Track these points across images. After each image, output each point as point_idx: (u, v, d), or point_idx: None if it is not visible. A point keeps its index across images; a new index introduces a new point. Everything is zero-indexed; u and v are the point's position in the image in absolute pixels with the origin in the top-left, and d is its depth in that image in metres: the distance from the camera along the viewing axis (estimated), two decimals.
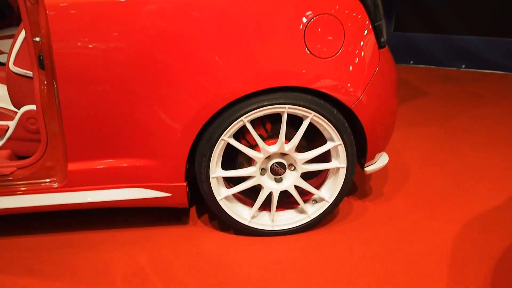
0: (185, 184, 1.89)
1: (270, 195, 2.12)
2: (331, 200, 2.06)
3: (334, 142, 1.94)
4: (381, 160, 2.15)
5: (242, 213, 2.05)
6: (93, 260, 1.92)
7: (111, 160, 1.83)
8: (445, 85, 4.42)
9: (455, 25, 4.98)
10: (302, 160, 1.98)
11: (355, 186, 2.55)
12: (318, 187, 2.10)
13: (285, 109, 1.82)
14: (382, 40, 1.85)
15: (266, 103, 1.80)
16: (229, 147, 2.04)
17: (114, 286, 1.75)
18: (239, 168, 2.04)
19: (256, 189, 2.12)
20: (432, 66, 5.31)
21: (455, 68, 5.20)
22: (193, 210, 2.28)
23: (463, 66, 5.19)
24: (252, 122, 1.97)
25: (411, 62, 5.42)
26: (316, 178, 2.20)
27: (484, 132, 3.26)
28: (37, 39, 1.64)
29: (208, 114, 1.77)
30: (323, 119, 1.87)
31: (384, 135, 1.99)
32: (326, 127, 1.90)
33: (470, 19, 4.91)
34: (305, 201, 2.11)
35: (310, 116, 1.85)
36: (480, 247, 1.97)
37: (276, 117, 1.99)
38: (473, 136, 3.20)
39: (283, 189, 2.02)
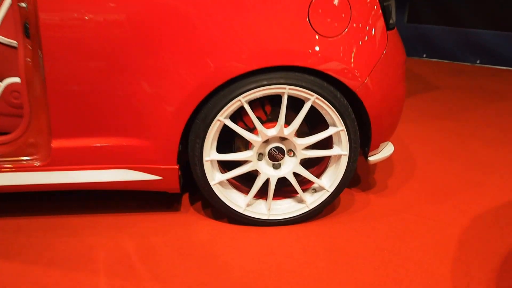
0: (177, 167, 1.88)
1: (267, 182, 2.12)
2: (331, 190, 2.05)
3: (337, 128, 1.93)
4: (386, 150, 2.15)
5: (237, 200, 2.04)
6: (74, 245, 1.89)
7: (98, 138, 1.81)
8: (458, 80, 4.41)
9: (471, 18, 4.94)
10: (302, 145, 1.97)
11: (358, 177, 2.53)
12: (318, 176, 2.10)
13: (286, 90, 1.81)
14: (390, 22, 1.86)
15: (265, 83, 1.78)
16: (226, 130, 2.03)
17: (96, 274, 1.73)
18: (235, 152, 2.03)
19: (253, 177, 2.12)
20: (445, 61, 5.28)
21: (469, 63, 5.16)
22: (185, 198, 2.27)
23: (478, 62, 5.14)
24: (251, 104, 1.97)
25: (424, 56, 5.39)
26: (316, 167, 2.21)
27: (497, 128, 3.26)
28: (23, 4, 1.62)
29: (204, 92, 1.75)
30: (325, 102, 1.86)
31: (389, 122, 1.99)
32: (329, 111, 1.89)
33: (487, 12, 4.85)
34: (304, 191, 2.11)
35: (312, 99, 1.85)
36: (486, 243, 1.96)
37: (277, 100, 2.00)
38: (485, 131, 3.20)
39: (281, 175, 2.01)
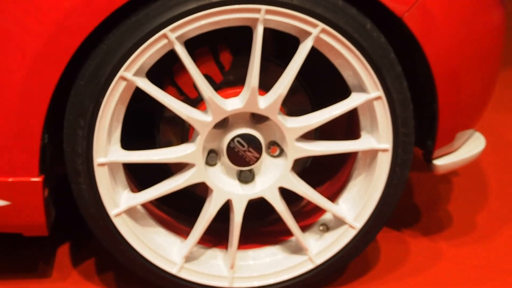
0: (40, 180, 1.84)
1: (226, 210, 2.04)
2: (359, 225, 1.99)
3: (366, 94, 1.87)
4: (469, 147, 2.15)
5: (166, 250, 2.02)
6: None
7: None
8: None
9: None
10: (296, 132, 1.91)
11: (411, 201, 2.60)
12: (333, 197, 2.06)
13: (260, 15, 1.76)
14: None
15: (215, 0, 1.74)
16: (141, 112, 2.07)
17: None
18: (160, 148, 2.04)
19: (197, 201, 2.11)
20: None
21: None
22: (63, 250, 2.28)
23: None
24: (193, 49, 1.92)
25: None
26: (329, 182, 2.22)
27: None
28: None
29: (88, 22, 1.70)
30: (341, 38, 1.78)
31: (475, 90, 2.00)
32: (350, 58, 1.81)
33: None
34: (304, 229, 2.06)
35: (314, 32, 1.77)
36: None
37: (244, 42, 1.92)
38: None
39: (255, 195, 1.97)
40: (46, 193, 1.88)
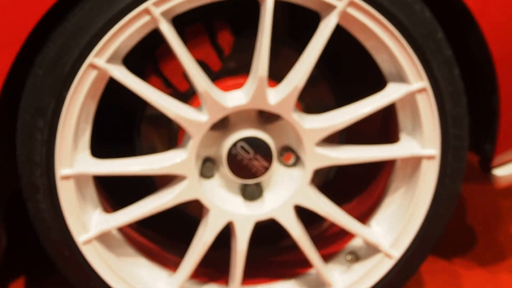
0: None
1: (225, 236, 1.99)
2: (398, 253, 1.94)
3: (407, 85, 1.83)
4: None
5: (150, 286, 1.99)
6: None
7: None
8: None
9: None
10: (316, 133, 1.85)
11: (465, 222, 2.62)
12: (364, 219, 2.01)
13: None
14: None
15: None
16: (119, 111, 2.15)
17: None
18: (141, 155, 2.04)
19: (189, 225, 2.09)
20: None
21: None
22: (18, 286, 2.31)
23: None
24: (183, 28, 1.92)
25: None
26: (357, 199, 2.23)
27: None
28: None
29: None
30: (375, 14, 1.73)
31: None
32: (385, 38, 1.76)
33: None
34: (328, 258, 2.02)
35: (340, 6, 1.72)
36: None
37: (249, 21, 1.91)
38: None
39: (263, 216, 1.91)
40: None
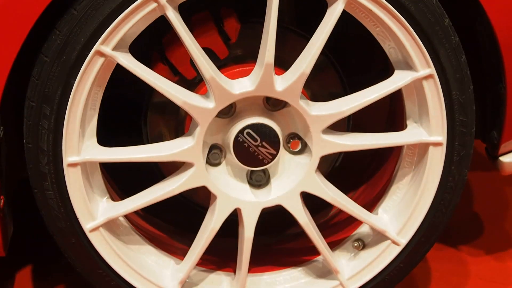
0: None
1: (232, 224, 1.99)
2: (404, 240, 1.94)
3: (413, 72, 1.83)
4: None
5: (156, 274, 1.98)
6: None
7: None
8: None
9: None
10: (323, 120, 1.86)
11: (471, 210, 2.62)
12: (371, 207, 2.03)
13: None
14: None
15: None
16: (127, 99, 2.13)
17: None
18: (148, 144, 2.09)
19: (195, 213, 2.14)
20: None
21: None
22: (24, 275, 2.30)
23: None
24: (190, 15, 1.93)
25: None
26: (365, 186, 2.23)
27: None
28: None
29: None
30: (383, 1, 1.74)
31: None
32: (391, 25, 1.77)
33: None
34: (334, 246, 2.02)
35: None
36: None
37: (255, 8, 1.89)
38: None
39: (270, 203, 1.91)
40: (1, 202, 1.83)
